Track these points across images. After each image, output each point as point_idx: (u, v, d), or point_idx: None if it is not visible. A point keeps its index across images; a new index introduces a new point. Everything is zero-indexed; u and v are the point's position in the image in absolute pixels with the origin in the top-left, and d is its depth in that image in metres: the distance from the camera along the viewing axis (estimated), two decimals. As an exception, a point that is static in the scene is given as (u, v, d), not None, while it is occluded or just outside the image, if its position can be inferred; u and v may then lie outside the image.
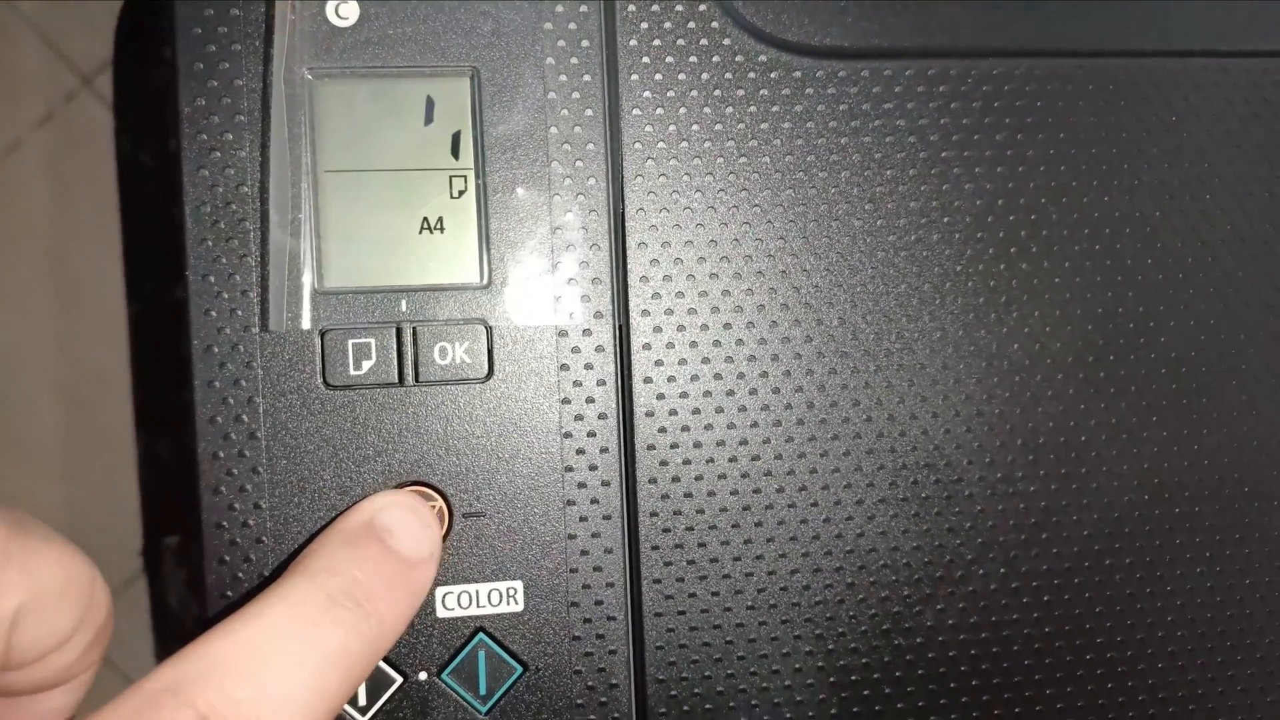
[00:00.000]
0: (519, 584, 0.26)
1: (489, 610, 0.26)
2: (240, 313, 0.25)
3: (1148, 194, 0.29)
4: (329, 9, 0.26)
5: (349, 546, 0.22)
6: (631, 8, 0.27)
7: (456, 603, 0.26)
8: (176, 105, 0.26)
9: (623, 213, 0.27)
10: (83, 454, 0.72)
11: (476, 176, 0.26)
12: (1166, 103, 0.29)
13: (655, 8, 0.27)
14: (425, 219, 0.26)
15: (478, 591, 0.26)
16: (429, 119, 0.26)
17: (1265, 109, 0.29)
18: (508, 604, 0.26)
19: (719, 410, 0.27)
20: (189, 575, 0.52)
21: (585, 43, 0.26)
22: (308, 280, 0.25)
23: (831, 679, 0.28)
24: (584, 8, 0.26)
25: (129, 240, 0.53)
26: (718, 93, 0.27)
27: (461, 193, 0.26)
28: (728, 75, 0.27)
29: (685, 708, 0.27)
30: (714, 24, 0.27)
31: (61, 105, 0.74)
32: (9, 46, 0.73)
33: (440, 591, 0.26)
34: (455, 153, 0.26)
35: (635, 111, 0.27)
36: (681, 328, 0.27)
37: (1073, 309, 0.28)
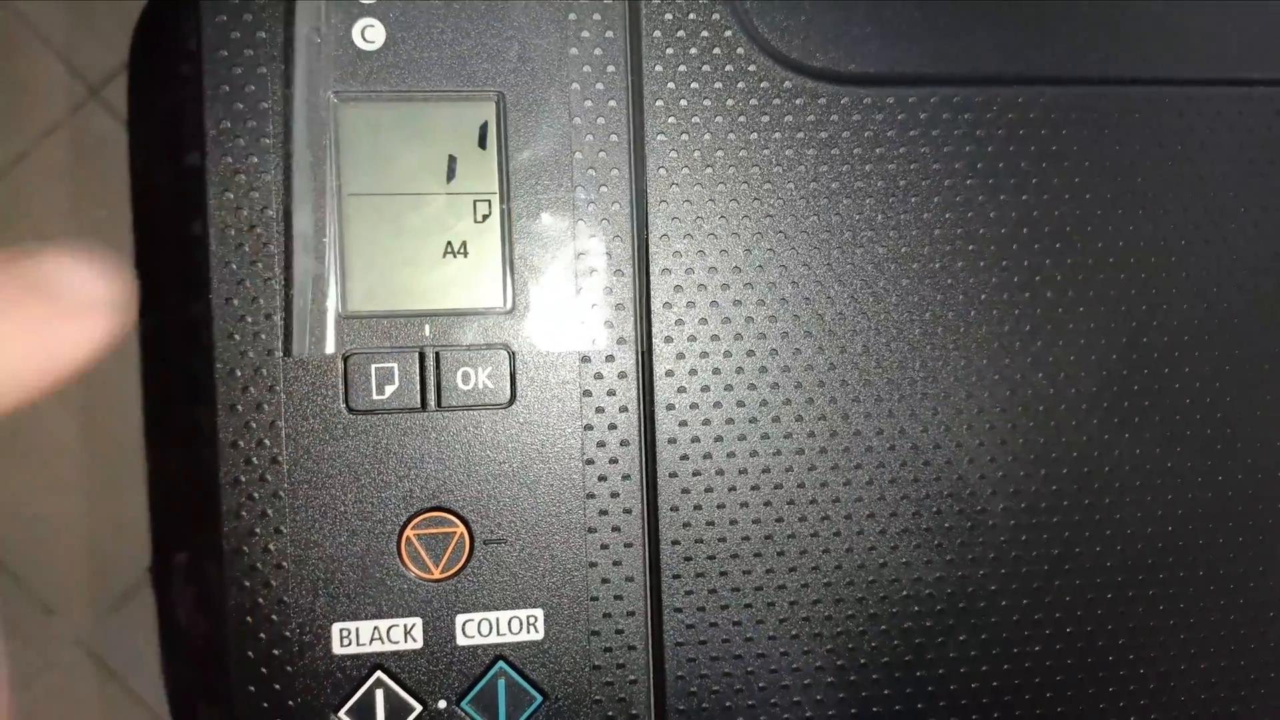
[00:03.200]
0: (539, 612, 0.26)
1: (509, 638, 0.26)
2: (264, 336, 0.25)
3: (1172, 223, 0.29)
4: (354, 32, 0.26)
5: None
6: (657, 34, 0.27)
7: (476, 630, 0.26)
8: (197, 123, 0.26)
9: (646, 239, 0.27)
10: (89, 463, 0.72)
11: (501, 201, 0.26)
12: (1191, 131, 0.29)
13: (680, 34, 0.27)
14: (449, 243, 0.26)
15: (498, 619, 0.26)
16: (452, 167, 0.26)
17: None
18: (528, 632, 0.26)
19: (742, 438, 0.27)
20: (199, 593, 0.52)
21: (611, 68, 0.26)
22: (331, 304, 0.25)
23: (854, 710, 0.27)
24: (610, 33, 0.26)
25: (141, 256, 0.53)
26: (742, 119, 0.27)
27: (486, 217, 0.26)
28: (752, 101, 0.27)
29: None
30: (739, 50, 0.27)
31: (69, 115, 0.74)
32: (17, 57, 0.74)
33: (460, 619, 0.25)
34: (481, 176, 0.26)
35: (660, 137, 0.27)
36: (705, 354, 0.27)
37: (1097, 338, 0.28)
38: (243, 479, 0.25)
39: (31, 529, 0.70)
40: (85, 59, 0.76)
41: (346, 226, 0.25)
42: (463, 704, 0.25)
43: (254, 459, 0.25)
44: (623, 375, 0.26)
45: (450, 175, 0.26)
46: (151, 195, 0.55)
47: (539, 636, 0.26)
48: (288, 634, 0.25)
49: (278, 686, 0.25)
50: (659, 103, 0.27)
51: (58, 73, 0.75)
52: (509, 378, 0.26)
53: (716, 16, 0.27)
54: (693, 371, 0.27)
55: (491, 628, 0.26)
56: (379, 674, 0.25)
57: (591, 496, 0.26)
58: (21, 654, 0.71)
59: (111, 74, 0.76)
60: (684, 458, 0.27)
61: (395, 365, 0.25)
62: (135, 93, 0.55)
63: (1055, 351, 0.28)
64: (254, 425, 0.25)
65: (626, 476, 0.26)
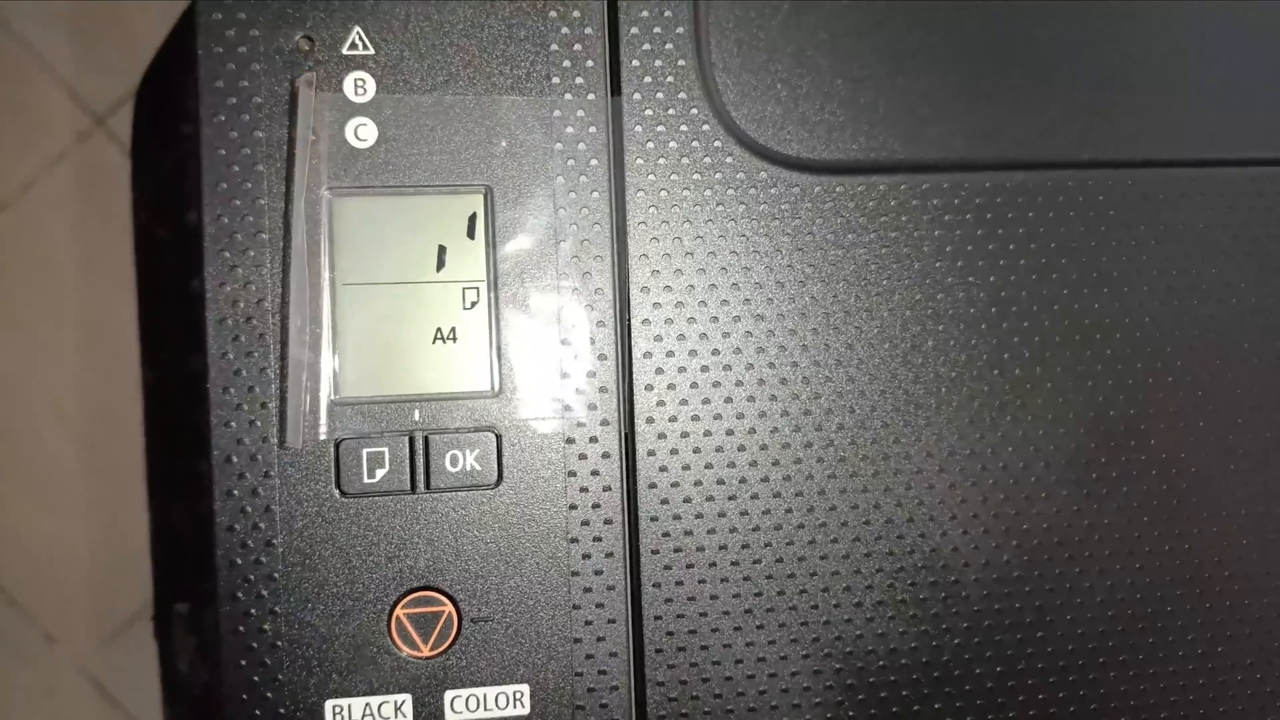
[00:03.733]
0: (525, 687, 0.27)
1: (496, 714, 0.26)
2: (259, 424, 0.26)
3: (1137, 301, 0.30)
4: (348, 131, 0.27)
5: None
6: (638, 129, 0.28)
7: (465, 706, 0.26)
8: (195, 200, 0.27)
9: (629, 323, 0.28)
10: (91, 491, 0.73)
11: (489, 289, 0.27)
12: (1155, 212, 0.30)
13: (660, 129, 0.28)
14: (439, 329, 0.27)
15: (485, 695, 0.26)
16: (442, 257, 0.27)
17: (1250, 216, 0.30)
18: (515, 707, 0.27)
19: (721, 515, 0.28)
20: (199, 642, 0.53)
21: (594, 161, 0.27)
22: (324, 391, 0.26)
23: None
24: (593, 129, 0.27)
25: (144, 310, 0.54)
26: (720, 207, 0.28)
27: (474, 304, 0.27)
28: (730, 191, 0.28)
29: None
30: (716, 143, 0.28)
31: (75, 144, 0.75)
32: (24, 87, 0.75)
33: (449, 695, 0.26)
34: (469, 265, 0.27)
35: (641, 225, 0.28)
36: (685, 434, 0.28)
37: (1065, 413, 0.29)
38: (239, 561, 0.26)
39: (33, 556, 0.71)
40: (91, 89, 0.77)
41: (340, 314, 0.27)
42: (452, 777, 0.26)
43: (250, 542, 0.26)
44: (606, 456, 0.27)
45: (440, 264, 0.27)
46: (154, 250, 0.56)
47: (525, 711, 0.26)
48: (282, 711, 0.26)
49: None
50: (640, 194, 0.28)
51: (63, 102, 0.76)
52: (496, 460, 0.27)
53: (695, 112, 0.28)
54: (674, 451, 0.28)
55: (479, 703, 0.26)
56: None
57: (576, 574, 0.27)
58: (22, 681, 0.72)
59: (117, 104, 0.77)
60: (666, 535, 0.27)
61: (386, 449, 0.26)
62: (138, 150, 0.57)
63: (1024, 426, 0.29)
64: (250, 510, 0.26)
65: (609, 555, 0.27)
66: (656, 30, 0.28)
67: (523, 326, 0.27)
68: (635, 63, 0.28)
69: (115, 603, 0.74)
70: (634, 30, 0.28)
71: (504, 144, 0.27)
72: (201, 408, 0.48)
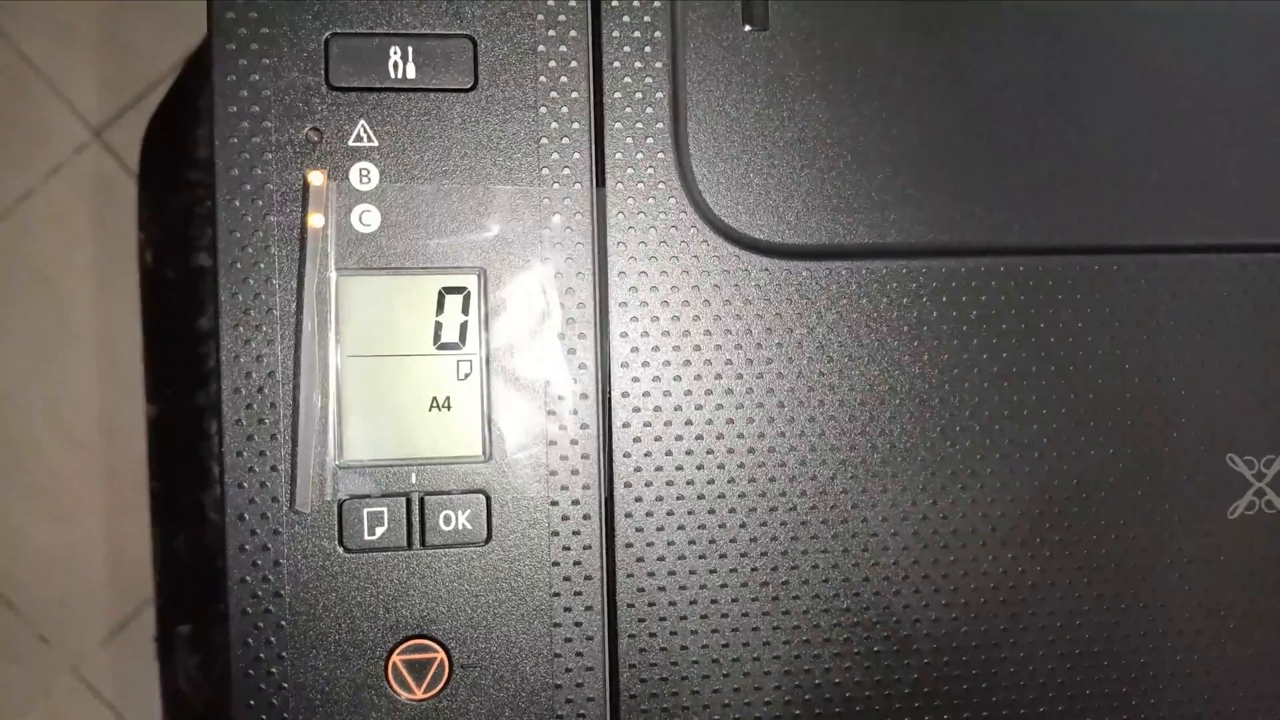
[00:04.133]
0: None
1: None
2: (269, 485, 0.28)
3: (1081, 378, 0.32)
4: (354, 217, 0.29)
5: None
6: (620, 215, 0.30)
7: None
8: (215, 282, 0.29)
9: (609, 396, 0.30)
10: (86, 494, 0.75)
11: (481, 361, 0.29)
12: (1098, 296, 0.32)
13: (641, 215, 0.30)
14: (435, 398, 0.29)
15: None
16: (440, 310, 0.30)
17: (1190, 301, 0.33)
18: None
19: (692, 572, 0.30)
20: (201, 661, 0.55)
21: (579, 245, 0.30)
22: (329, 456, 0.29)
23: None
24: (579, 216, 0.30)
25: (150, 346, 0.57)
26: (695, 290, 0.30)
27: (467, 375, 0.30)
28: (705, 275, 0.30)
29: None
30: (693, 229, 0.30)
31: (72, 156, 0.77)
32: (21, 98, 0.77)
33: None
34: (463, 340, 0.30)
35: (622, 306, 0.30)
36: (659, 498, 0.30)
37: (1012, 482, 0.32)
38: (249, 611, 0.28)
39: (29, 559, 0.72)
40: (88, 100, 0.79)
41: (345, 385, 0.29)
42: (440, 813, 0.29)
43: (259, 594, 0.28)
44: (587, 518, 0.29)
45: (437, 339, 0.30)
46: (160, 290, 0.59)
47: None
48: None
49: None
50: (621, 276, 0.30)
51: (61, 114, 0.78)
52: (486, 520, 0.29)
53: (673, 200, 0.30)
54: (649, 514, 0.30)
55: None
56: None
57: (558, 625, 0.29)
58: (17, 682, 0.74)
59: (114, 116, 0.79)
60: (641, 590, 0.30)
61: (385, 509, 0.29)
62: (145, 191, 0.59)
63: (974, 494, 0.32)
64: (260, 564, 0.28)
65: (589, 608, 0.29)
66: (638, 125, 0.30)
67: (512, 397, 0.30)
68: (619, 155, 0.30)
69: (109, 605, 0.76)
70: (618, 125, 0.30)
71: (497, 229, 0.30)
72: (204, 442, 0.50)
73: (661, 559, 0.30)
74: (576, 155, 0.30)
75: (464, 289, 0.30)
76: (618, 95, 0.30)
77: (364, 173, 0.29)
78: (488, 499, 0.29)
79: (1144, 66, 0.33)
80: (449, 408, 0.29)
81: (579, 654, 0.29)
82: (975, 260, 0.32)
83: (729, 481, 0.30)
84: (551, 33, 0.30)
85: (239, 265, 0.29)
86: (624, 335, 0.30)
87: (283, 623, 0.28)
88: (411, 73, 0.29)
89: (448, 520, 0.29)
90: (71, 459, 0.76)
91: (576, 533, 0.29)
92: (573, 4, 0.30)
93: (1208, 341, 0.33)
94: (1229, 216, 0.33)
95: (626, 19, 0.30)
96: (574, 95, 0.30)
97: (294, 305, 0.29)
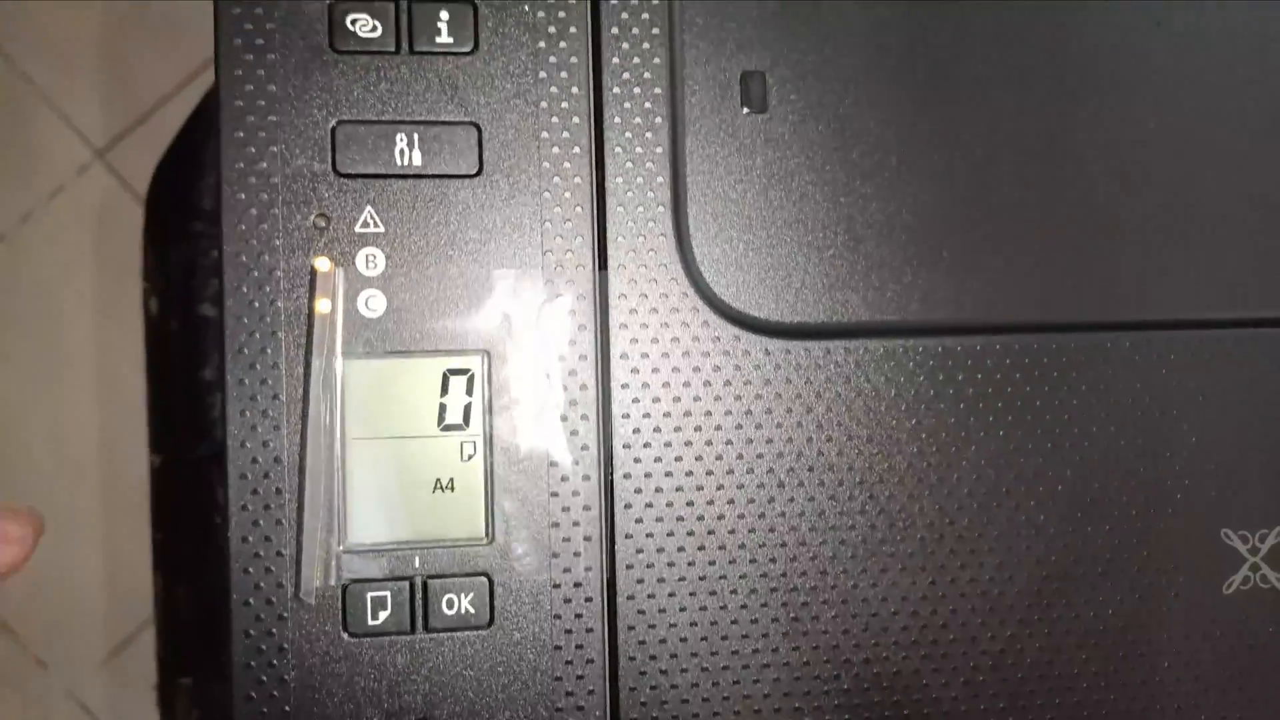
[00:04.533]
0: None
1: None
2: (274, 570, 0.29)
3: (1078, 456, 0.32)
4: (360, 302, 0.30)
5: None
6: (622, 298, 0.31)
7: None
8: (221, 367, 0.29)
9: (611, 478, 0.30)
10: (82, 518, 0.75)
11: (484, 443, 0.30)
12: (1096, 373, 0.33)
13: (642, 296, 0.31)
14: (438, 480, 0.30)
15: None
16: (444, 391, 0.30)
17: (1185, 378, 0.33)
18: None
19: (694, 655, 0.30)
20: (201, 717, 0.55)
21: (582, 328, 0.30)
22: (334, 541, 0.29)
23: None
24: (582, 300, 0.30)
25: (153, 396, 0.57)
26: (696, 370, 0.31)
27: (470, 457, 0.30)
28: (705, 355, 0.31)
29: None
30: (694, 310, 0.31)
31: (74, 177, 0.78)
32: (22, 119, 0.78)
33: None
34: (467, 421, 0.30)
35: (624, 386, 0.30)
36: (661, 580, 0.30)
37: (1011, 559, 0.32)
38: (254, 695, 0.28)
39: (26, 583, 0.72)
40: (90, 122, 0.79)
41: (350, 468, 0.29)
42: None
43: (264, 678, 0.28)
44: (589, 600, 0.30)
45: (441, 420, 0.30)
46: (164, 341, 0.59)
47: None
48: None
49: None
50: (623, 357, 0.31)
51: (63, 134, 0.79)
52: (488, 603, 0.29)
53: (674, 283, 0.31)
54: (651, 596, 0.30)
55: None
56: None
57: (560, 710, 0.29)
58: (14, 707, 0.74)
59: (116, 138, 0.80)
60: (643, 674, 0.30)
61: (388, 593, 0.29)
62: (151, 243, 0.59)
63: (973, 571, 0.32)
64: (265, 649, 0.28)
65: (591, 692, 0.30)
66: (640, 209, 0.31)
67: (514, 478, 0.30)
68: (621, 239, 0.31)
69: (105, 629, 0.76)
70: (620, 209, 0.31)
71: (501, 312, 0.30)
72: (206, 494, 0.50)
73: (663, 641, 0.30)
74: (579, 239, 0.30)
75: (468, 370, 0.30)
76: (619, 180, 0.31)
77: (370, 258, 0.30)
78: (490, 582, 0.29)
79: (1141, 142, 0.33)
80: (452, 489, 0.30)
81: (581, 735, 0.30)
82: (971, 338, 0.32)
83: (730, 563, 0.31)
84: (555, 119, 0.30)
85: (246, 351, 0.29)
86: (626, 417, 0.30)
87: (287, 708, 0.28)
88: (418, 159, 0.30)
89: (450, 604, 0.29)
90: (69, 482, 0.76)
91: (579, 615, 0.30)
92: (575, 91, 0.30)
93: (1202, 417, 0.33)
94: (1224, 292, 0.34)
95: (628, 105, 0.31)
96: (576, 180, 0.30)
97: (300, 390, 0.29)
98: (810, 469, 0.31)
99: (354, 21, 0.30)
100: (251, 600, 0.28)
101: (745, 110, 0.32)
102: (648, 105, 0.31)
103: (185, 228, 0.56)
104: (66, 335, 0.78)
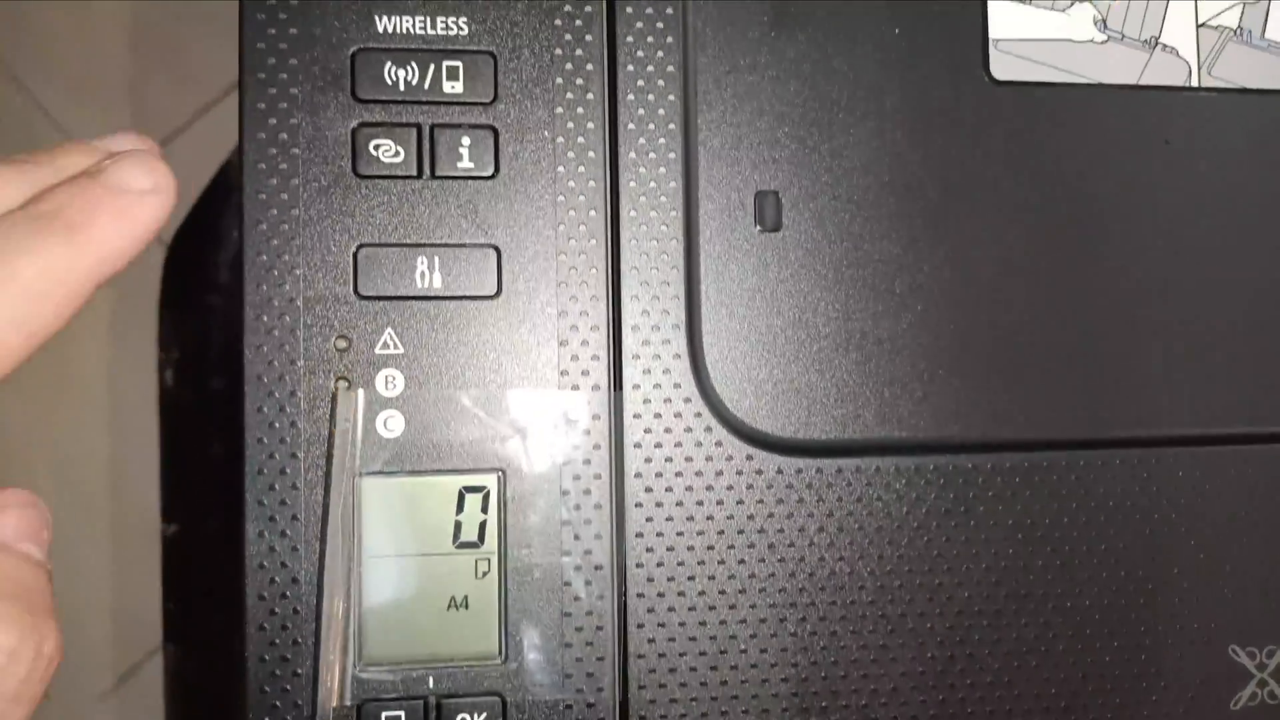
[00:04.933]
0: None
1: None
2: (290, 690, 0.29)
3: (1085, 571, 0.33)
4: (379, 422, 0.30)
5: (65, 186, 0.23)
6: (636, 417, 0.31)
7: None
8: (240, 488, 0.29)
9: (625, 597, 0.31)
10: (87, 551, 0.75)
11: (499, 560, 0.30)
12: (1103, 490, 0.33)
13: (657, 416, 0.31)
14: (453, 597, 0.30)
15: None
16: (460, 509, 0.30)
17: (1175, 494, 0.33)
18: None
19: None
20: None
21: (597, 447, 0.31)
22: (350, 661, 0.29)
23: None
24: (597, 419, 0.31)
25: (166, 466, 0.58)
26: (709, 489, 0.31)
27: (485, 574, 0.30)
28: (718, 474, 0.31)
29: None
30: (707, 429, 0.31)
31: None
32: (29, 139, 0.78)
33: None
34: (482, 539, 0.30)
35: (637, 505, 0.31)
36: (674, 700, 0.31)
37: (1020, 675, 0.32)
38: None
39: None
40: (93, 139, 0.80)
41: (366, 587, 0.30)
42: None
43: None
44: None
45: (456, 537, 0.30)
46: (178, 411, 0.59)
47: None
48: None
49: None
50: (638, 476, 0.31)
51: None
52: None
53: (688, 402, 0.31)
54: (663, 717, 0.30)
55: None
56: None
57: None
58: None
59: None
60: None
61: (402, 713, 0.29)
62: (165, 313, 0.60)
63: (981, 690, 0.32)
64: None
65: None
66: (655, 329, 0.31)
67: (529, 597, 0.30)
68: (636, 358, 0.31)
69: (110, 660, 0.76)
70: (635, 328, 0.31)
71: (517, 431, 0.31)
72: (217, 565, 0.51)
73: (675, 761, 0.30)
74: (595, 360, 0.31)
75: (484, 488, 0.30)
76: (634, 301, 0.31)
77: (390, 379, 0.30)
78: (503, 702, 0.30)
79: (1143, 261, 0.34)
80: (466, 607, 0.30)
81: None
82: (982, 456, 0.32)
83: (742, 683, 0.31)
84: (572, 241, 0.31)
85: (265, 472, 0.29)
86: (639, 536, 0.31)
87: None
88: (438, 281, 0.30)
89: None
90: (77, 511, 0.76)
91: (591, 734, 0.30)
92: (593, 214, 0.31)
93: (1208, 533, 0.34)
94: (1232, 408, 0.34)
95: (644, 228, 0.31)
96: (592, 300, 0.31)
97: (319, 510, 0.29)
98: (822, 588, 0.31)
99: (377, 147, 0.30)
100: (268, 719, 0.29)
101: (758, 229, 0.32)
102: (663, 227, 0.31)
103: (201, 300, 0.57)
104: (76, 365, 0.79)
